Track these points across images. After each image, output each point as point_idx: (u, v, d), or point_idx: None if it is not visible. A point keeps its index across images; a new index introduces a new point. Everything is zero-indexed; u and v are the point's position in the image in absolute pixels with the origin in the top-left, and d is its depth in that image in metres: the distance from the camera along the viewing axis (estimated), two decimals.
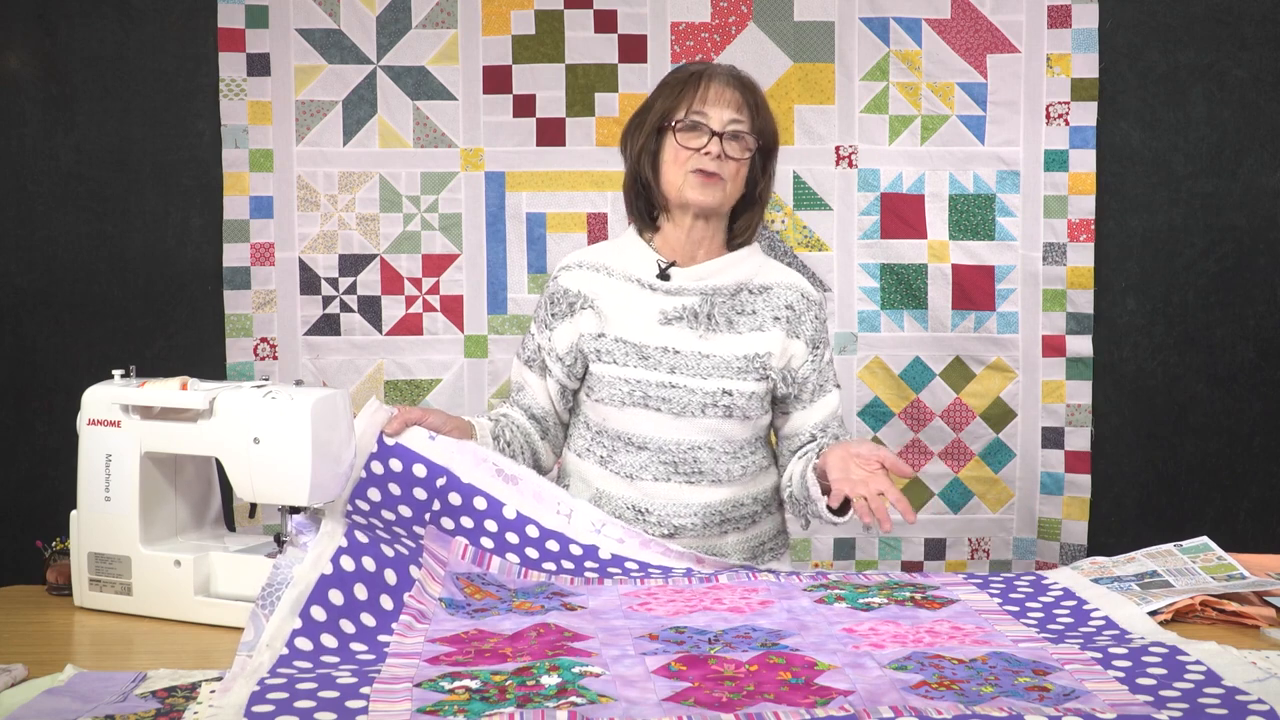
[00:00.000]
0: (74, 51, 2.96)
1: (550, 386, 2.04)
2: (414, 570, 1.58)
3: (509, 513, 1.78)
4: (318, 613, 1.44)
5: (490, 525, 1.76)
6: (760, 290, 1.99)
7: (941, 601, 1.59)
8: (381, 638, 1.45)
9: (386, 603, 1.51)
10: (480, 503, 1.77)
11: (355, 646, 1.42)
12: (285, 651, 1.38)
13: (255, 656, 1.36)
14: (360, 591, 1.50)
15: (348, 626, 1.45)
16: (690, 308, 1.96)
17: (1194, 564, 1.74)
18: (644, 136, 1.97)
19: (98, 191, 3.00)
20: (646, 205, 2.01)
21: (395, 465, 1.75)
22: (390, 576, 1.54)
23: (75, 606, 1.68)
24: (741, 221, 2.02)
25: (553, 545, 1.77)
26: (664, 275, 1.98)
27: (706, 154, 1.91)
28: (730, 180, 1.94)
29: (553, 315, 2.02)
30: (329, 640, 1.42)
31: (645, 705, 1.22)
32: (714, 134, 1.91)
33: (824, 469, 1.83)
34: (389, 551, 1.57)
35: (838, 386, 2.05)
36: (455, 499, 1.76)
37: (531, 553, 1.75)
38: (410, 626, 1.48)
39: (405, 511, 1.72)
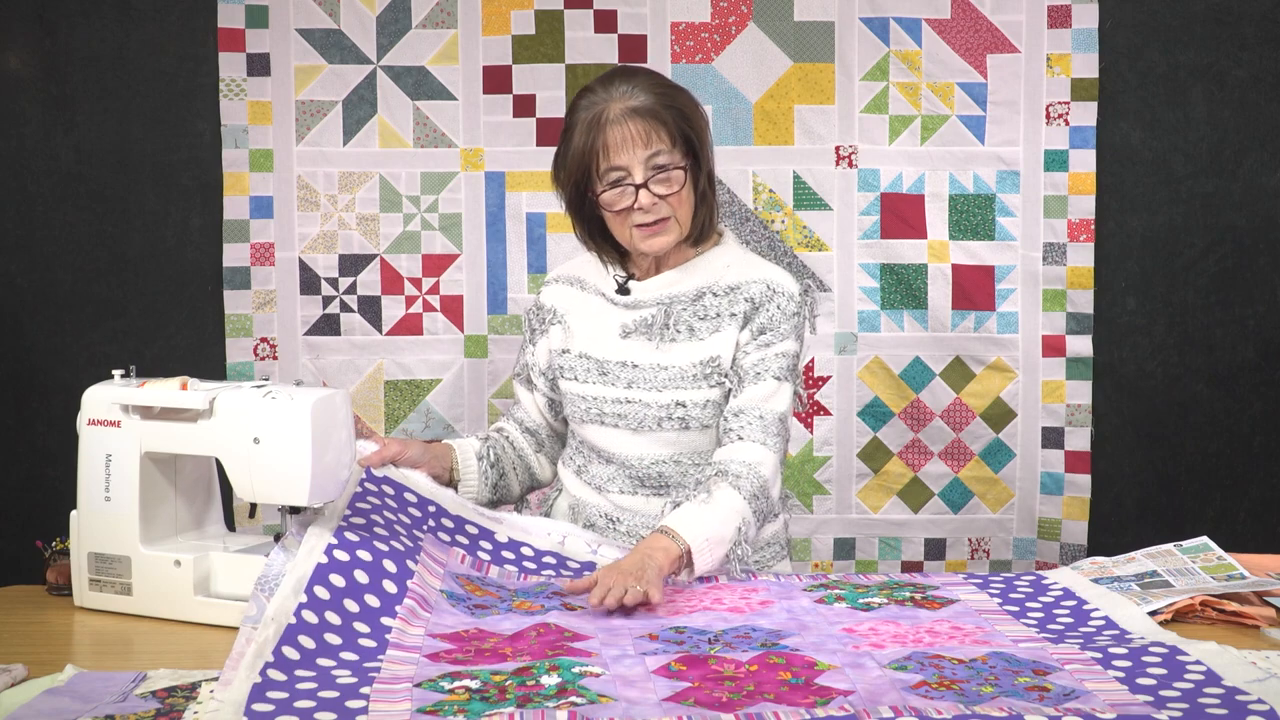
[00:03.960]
0: (74, 51, 2.96)
1: (538, 400, 2.05)
2: (411, 564, 1.58)
3: (501, 538, 1.79)
4: (321, 592, 1.45)
5: (485, 544, 1.77)
6: (726, 291, 1.91)
7: (941, 601, 1.59)
8: (385, 620, 1.45)
9: (390, 586, 1.51)
10: (472, 529, 1.79)
11: (359, 627, 1.43)
12: (293, 621, 1.38)
13: (261, 630, 1.36)
14: (361, 576, 1.51)
15: (351, 606, 1.46)
16: (646, 319, 1.92)
17: (1194, 564, 1.74)
18: (571, 195, 1.89)
19: (98, 191, 2.99)
20: (589, 234, 1.95)
21: (388, 489, 1.76)
22: (389, 565, 1.55)
23: (75, 606, 1.68)
24: (695, 220, 1.90)
25: (550, 559, 1.78)
26: (623, 290, 1.95)
27: (639, 209, 1.82)
28: (677, 209, 1.85)
29: (533, 331, 2.04)
30: (333, 617, 1.42)
31: (645, 705, 1.22)
32: (639, 186, 1.81)
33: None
34: (384, 547, 1.57)
35: (780, 380, 1.86)
36: (448, 523, 1.77)
37: (529, 565, 1.76)
38: (414, 613, 1.48)
39: (404, 518, 1.72)
